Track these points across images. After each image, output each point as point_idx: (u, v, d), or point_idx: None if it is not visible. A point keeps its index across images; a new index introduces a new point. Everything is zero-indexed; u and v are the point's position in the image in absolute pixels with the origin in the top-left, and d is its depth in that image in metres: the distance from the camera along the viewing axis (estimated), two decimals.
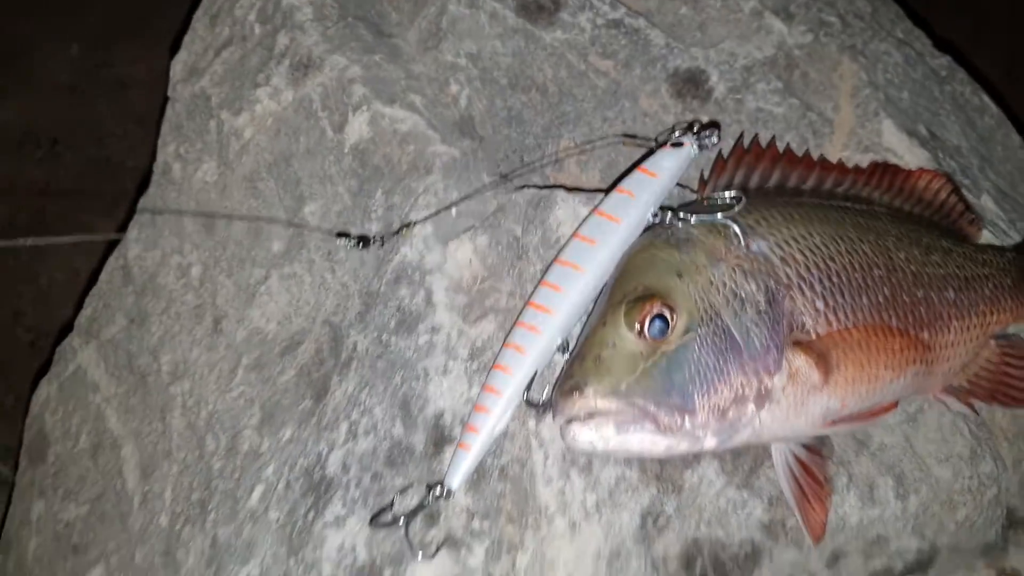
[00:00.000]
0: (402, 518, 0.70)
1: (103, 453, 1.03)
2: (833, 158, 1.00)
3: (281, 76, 0.98)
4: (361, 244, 0.82)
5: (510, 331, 0.75)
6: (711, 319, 0.71)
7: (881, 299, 0.80)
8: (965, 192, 1.01)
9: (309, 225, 0.90)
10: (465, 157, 0.89)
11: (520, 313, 0.75)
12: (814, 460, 0.81)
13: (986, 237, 1.00)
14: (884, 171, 0.93)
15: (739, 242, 0.75)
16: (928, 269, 0.86)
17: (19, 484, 1.09)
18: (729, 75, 1.02)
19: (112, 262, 1.13)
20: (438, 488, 0.71)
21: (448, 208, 0.83)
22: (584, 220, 0.79)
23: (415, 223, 0.81)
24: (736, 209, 0.76)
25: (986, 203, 1.04)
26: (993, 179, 1.09)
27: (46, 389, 1.12)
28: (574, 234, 0.78)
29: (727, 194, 0.77)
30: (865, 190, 0.92)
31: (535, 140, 0.95)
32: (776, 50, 1.05)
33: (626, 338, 0.69)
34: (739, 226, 0.76)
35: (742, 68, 1.03)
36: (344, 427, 0.79)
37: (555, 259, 0.77)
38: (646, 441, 0.68)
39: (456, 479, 0.71)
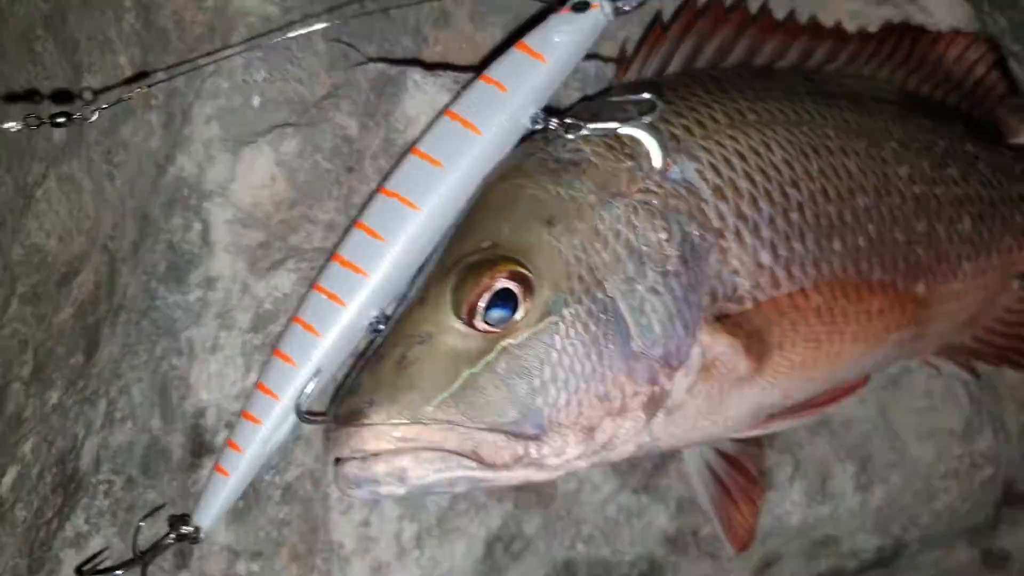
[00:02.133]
0: (138, 560, 0.50)
1: None
2: (838, 12, 0.72)
3: None
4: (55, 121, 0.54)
5: (303, 298, 0.51)
6: (588, 292, 0.47)
7: (862, 241, 0.56)
8: (1014, 64, 0.74)
9: None
10: (288, 15, 0.61)
11: (321, 269, 0.52)
12: (747, 451, 0.61)
13: None
14: (901, 37, 0.69)
15: (651, 163, 0.50)
16: (939, 189, 0.61)
17: None
18: None
19: None
20: (184, 524, 0.50)
21: None
22: (430, 125, 0.53)
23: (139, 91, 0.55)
24: (648, 116, 0.50)
25: None
26: None
27: None
28: (411, 147, 0.52)
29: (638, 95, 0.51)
30: (870, 66, 0.67)
31: None
32: None
33: (449, 327, 0.45)
34: (657, 139, 0.50)
35: None
36: (103, 405, 0.59)
37: (380, 187, 0.52)
38: (462, 480, 0.46)
39: (207, 517, 0.50)
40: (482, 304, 0.45)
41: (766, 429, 0.56)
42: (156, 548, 0.50)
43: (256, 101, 0.59)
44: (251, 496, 0.53)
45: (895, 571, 0.83)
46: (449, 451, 0.44)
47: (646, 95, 0.50)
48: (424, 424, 0.44)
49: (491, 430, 0.45)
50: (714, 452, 0.60)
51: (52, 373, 0.67)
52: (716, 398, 0.52)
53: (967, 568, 0.84)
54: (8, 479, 0.64)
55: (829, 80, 0.63)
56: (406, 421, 0.44)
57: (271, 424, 0.49)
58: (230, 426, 0.53)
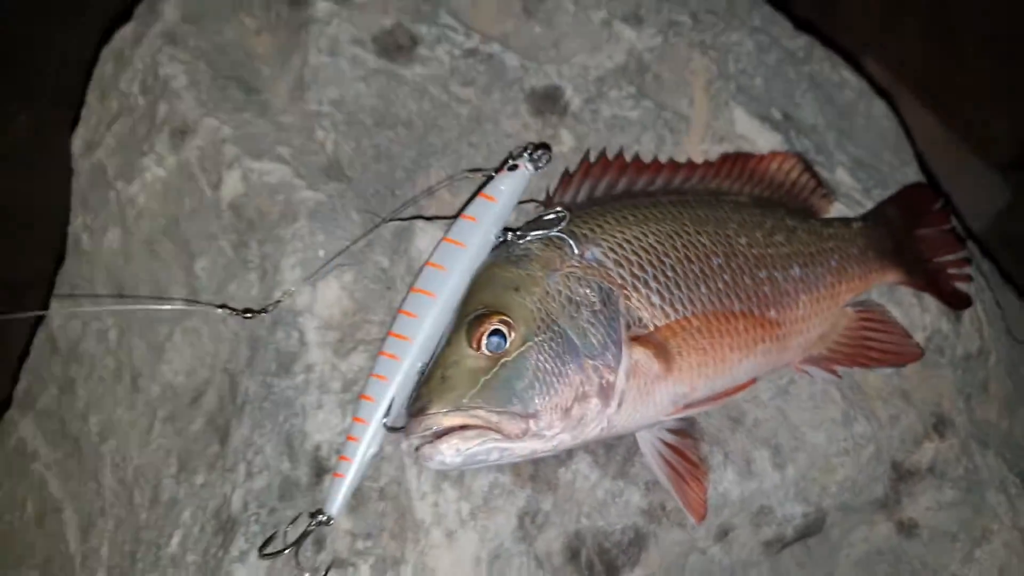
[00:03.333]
0: (291, 548, 0.76)
1: (48, 520, 1.10)
2: (692, 152, 1.08)
3: (163, 143, 1.04)
4: (245, 314, 0.88)
5: (374, 361, 0.81)
6: (548, 326, 0.77)
7: (721, 285, 0.86)
8: (819, 168, 1.08)
9: (200, 303, 0.95)
10: (331, 200, 0.95)
11: (382, 342, 0.82)
12: (685, 443, 0.87)
13: (840, 209, 1.06)
14: (734, 161, 1.00)
15: (572, 252, 0.82)
16: (771, 250, 0.92)
17: None
18: (583, 87, 1.08)
19: (40, 334, 1.19)
20: (319, 516, 0.77)
21: (328, 262, 0.88)
22: (435, 247, 0.85)
23: (291, 292, 0.87)
24: (562, 224, 0.82)
25: (841, 177, 1.10)
26: (852, 151, 1.15)
27: None
28: (426, 262, 0.84)
29: (554, 211, 0.84)
30: (715, 182, 0.98)
31: (405, 173, 1.01)
32: (627, 57, 1.11)
33: (467, 355, 0.75)
34: (572, 237, 0.82)
35: (595, 79, 1.09)
36: (242, 468, 0.86)
37: (411, 287, 0.83)
38: (495, 450, 0.74)
39: (334, 506, 0.77)
40: (484, 339, 0.75)
41: (685, 413, 0.84)
42: (304, 534, 0.76)
43: (321, 253, 0.91)
44: (358, 496, 0.79)
45: (832, 545, 1.06)
46: (481, 427, 0.72)
47: (561, 210, 0.83)
48: (462, 410, 0.73)
49: (503, 412, 0.73)
50: (662, 443, 0.87)
51: (195, 464, 0.93)
52: (644, 389, 0.80)
53: (888, 539, 1.06)
54: (175, 539, 0.88)
55: (687, 192, 0.96)
56: (450, 409, 0.72)
57: (367, 439, 0.77)
58: (339, 449, 0.80)
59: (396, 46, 1.07)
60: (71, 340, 1.13)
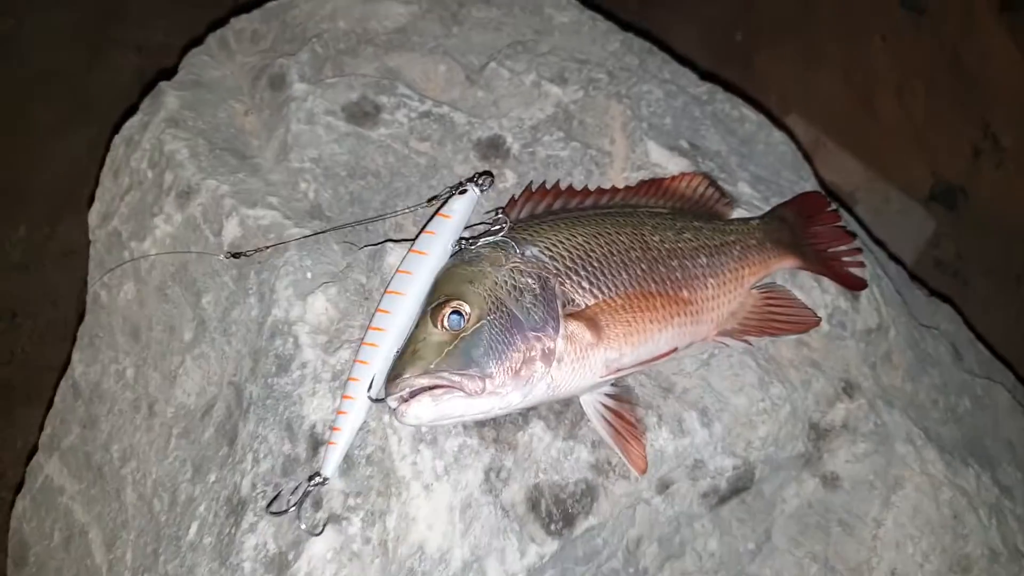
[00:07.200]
0: (294, 507, 0.91)
1: (74, 542, 1.23)
2: (615, 180, 1.28)
3: (171, 204, 1.23)
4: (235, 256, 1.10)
5: (357, 350, 0.98)
6: (498, 308, 0.95)
7: (639, 272, 1.05)
8: (723, 183, 1.29)
9: (194, 251, 1.13)
10: (316, 235, 1.14)
11: (364, 335, 0.99)
12: (623, 406, 1.04)
13: (742, 215, 1.27)
14: (650, 183, 1.21)
15: (515, 251, 1.01)
16: (680, 244, 1.12)
17: None
18: (521, 135, 1.29)
19: (63, 384, 1.35)
20: (316, 477, 0.93)
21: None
22: (404, 257, 1.03)
23: (272, 245, 1.08)
24: (503, 231, 1.02)
25: (743, 188, 1.31)
26: (753, 169, 1.37)
27: (21, 504, 1.32)
28: (397, 269, 1.02)
29: (496, 220, 1.03)
30: (634, 200, 1.18)
31: (376, 212, 1.21)
32: (555, 108, 1.33)
33: (433, 332, 0.93)
34: (514, 241, 1.02)
35: (530, 128, 1.30)
36: (250, 457, 1.01)
37: (385, 289, 1.01)
38: (460, 405, 0.91)
39: (329, 468, 0.93)
40: (445, 319, 0.93)
41: (617, 375, 1.01)
42: (305, 494, 0.91)
43: (309, 275, 1.09)
44: (349, 463, 0.94)
45: (767, 501, 1.21)
46: (447, 386, 0.89)
47: (502, 217, 1.03)
48: (430, 373, 0.89)
49: (464, 374, 0.90)
50: (603, 407, 1.03)
51: (208, 466, 1.08)
52: (580, 355, 0.98)
53: (815, 492, 1.21)
54: (193, 528, 1.02)
55: (609, 207, 1.16)
56: (421, 373, 0.89)
57: (355, 411, 0.93)
58: (331, 423, 0.96)
59: (363, 113, 1.29)
60: (92, 383, 1.29)
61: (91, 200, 1.38)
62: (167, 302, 1.22)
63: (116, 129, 1.37)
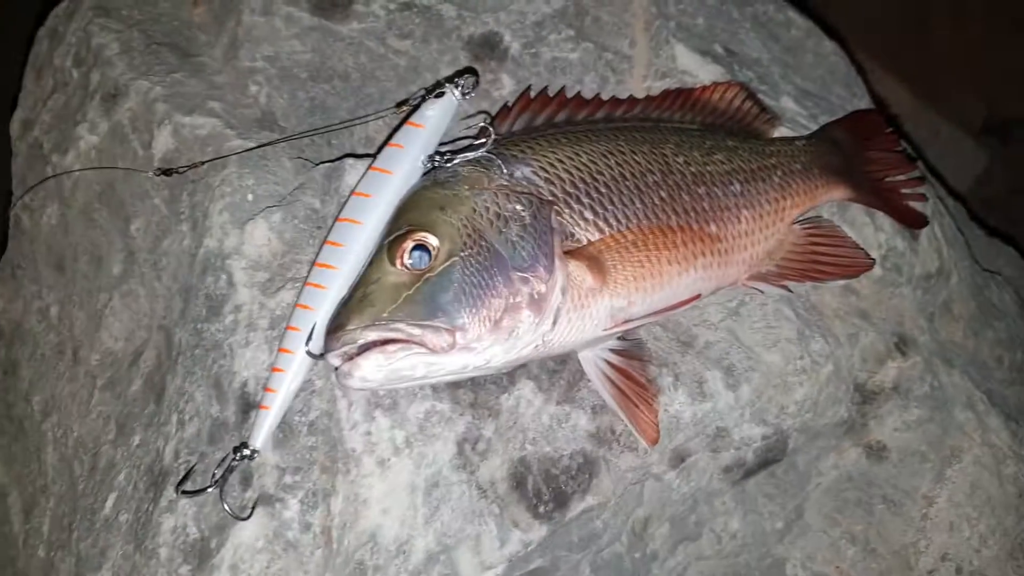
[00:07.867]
0: (213, 485, 0.73)
1: None
2: (635, 90, 1.06)
3: (95, 110, 1.03)
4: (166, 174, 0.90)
5: (299, 292, 0.79)
6: (475, 241, 0.75)
7: (657, 201, 0.84)
8: (763, 96, 1.07)
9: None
10: (262, 147, 0.93)
11: (308, 273, 0.79)
12: (632, 364, 0.85)
13: (785, 134, 1.05)
14: (677, 93, 0.99)
15: (501, 171, 0.80)
16: (709, 167, 0.90)
17: None
18: (521, 32, 1.07)
19: None
20: (243, 450, 0.74)
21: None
22: (361, 177, 0.83)
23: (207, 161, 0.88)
24: (488, 144, 0.80)
25: (786, 104, 1.09)
26: (798, 82, 1.14)
27: None
28: (352, 191, 0.82)
29: (481, 131, 0.82)
30: (655, 113, 0.96)
31: (342, 122, 0.99)
32: (565, 2, 1.10)
33: (388, 272, 0.73)
34: (501, 158, 0.81)
35: (533, 24, 1.07)
36: (175, 419, 0.83)
37: (337, 217, 0.81)
38: (420, 364, 0.71)
39: (259, 438, 0.74)
40: (405, 255, 0.73)
41: (625, 327, 0.81)
42: (228, 469, 0.73)
43: (250, 196, 0.89)
44: (287, 431, 0.76)
45: (800, 474, 1.03)
46: (403, 340, 0.70)
47: (486, 128, 0.81)
48: (380, 324, 0.70)
49: (426, 325, 0.71)
50: (607, 364, 0.84)
51: (132, 425, 0.90)
52: (579, 303, 0.78)
53: (857, 464, 1.04)
54: (109, 501, 0.86)
55: (625, 120, 0.94)
56: (368, 324, 0.70)
57: (292, 369, 0.75)
58: (264, 382, 0.78)
59: (331, 3, 1.06)
60: (13, 321, 1.11)
61: (14, 105, 1.18)
62: (94, 228, 1.03)
63: (41, 21, 1.16)
